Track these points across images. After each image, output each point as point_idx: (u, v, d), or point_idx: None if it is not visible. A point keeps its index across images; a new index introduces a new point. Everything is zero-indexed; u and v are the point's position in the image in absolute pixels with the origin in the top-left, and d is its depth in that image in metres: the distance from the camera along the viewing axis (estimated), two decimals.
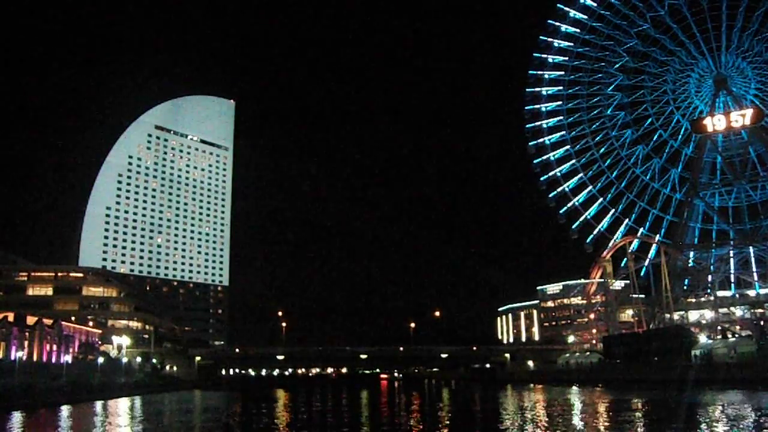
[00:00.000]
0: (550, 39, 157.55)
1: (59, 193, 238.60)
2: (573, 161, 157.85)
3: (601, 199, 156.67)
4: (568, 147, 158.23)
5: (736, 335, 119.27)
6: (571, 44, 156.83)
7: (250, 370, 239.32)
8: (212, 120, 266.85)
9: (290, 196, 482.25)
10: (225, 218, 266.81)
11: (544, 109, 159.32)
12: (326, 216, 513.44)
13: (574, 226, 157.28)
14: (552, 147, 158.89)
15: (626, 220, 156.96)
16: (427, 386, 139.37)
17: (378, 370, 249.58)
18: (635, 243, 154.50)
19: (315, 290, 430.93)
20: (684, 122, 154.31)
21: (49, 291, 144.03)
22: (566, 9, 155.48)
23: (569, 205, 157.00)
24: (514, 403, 70.72)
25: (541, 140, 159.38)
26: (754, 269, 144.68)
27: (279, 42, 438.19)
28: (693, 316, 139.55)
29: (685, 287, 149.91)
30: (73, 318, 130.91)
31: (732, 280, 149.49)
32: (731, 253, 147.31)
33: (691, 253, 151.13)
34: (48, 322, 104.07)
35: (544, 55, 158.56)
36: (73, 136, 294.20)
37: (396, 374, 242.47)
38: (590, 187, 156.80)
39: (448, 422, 51.70)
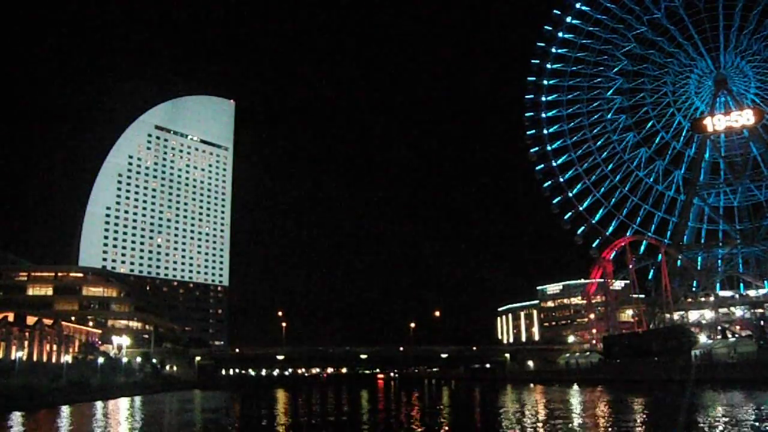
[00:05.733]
0: (547, 45, 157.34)
1: (59, 193, 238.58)
2: (575, 167, 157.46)
3: (605, 204, 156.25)
4: (570, 153, 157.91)
5: (736, 335, 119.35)
6: (569, 50, 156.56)
7: (250, 370, 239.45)
8: (212, 120, 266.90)
9: (290, 196, 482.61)
10: (225, 218, 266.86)
11: (544, 115, 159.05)
12: (326, 216, 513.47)
13: (579, 232, 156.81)
14: (554, 153, 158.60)
15: (632, 224, 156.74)
16: (427, 386, 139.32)
17: (378, 370, 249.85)
18: (642, 245, 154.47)
19: (315, 290, 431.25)
20: (685, 123, 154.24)
21: (49, 291, 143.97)
22: (562, 15, 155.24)
23: (573, 211, 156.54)
24: (513, 403, 70.70)
25: (542, 147, 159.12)
26: (755, 269, 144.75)
27: (279, 42, 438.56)
28: (693, 316, 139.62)
29: (693, 288, 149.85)
30: (73, 318, 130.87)
31: (739, 280, 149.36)
32: (732, 252, 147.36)
33: (699, 256, 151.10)
34: (48, 322, 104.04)
35: (542, 62, 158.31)
36: (73, 136, 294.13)
37: (392, 374, 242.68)
38: (594, 192, 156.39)
39: (447, 423, 51.70)
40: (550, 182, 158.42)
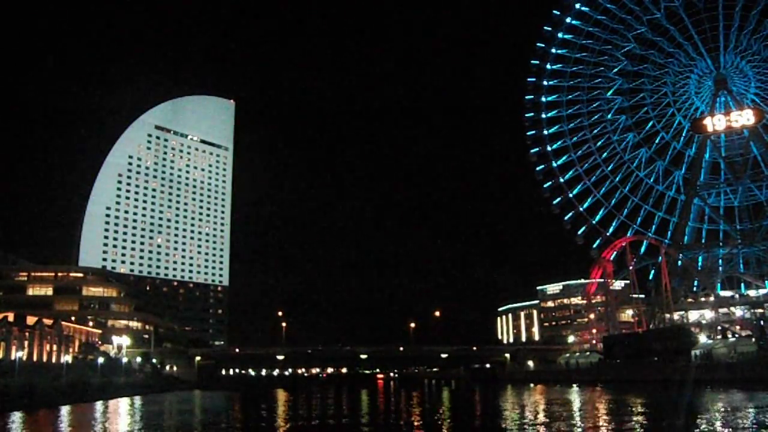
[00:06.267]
0: (546, 46, 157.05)
1: (59, 193, 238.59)
2: (575, 167, 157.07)
3: (605, 204, 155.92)
4: (570, 153, 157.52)
5: (736, 335, 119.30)
6: (569, 50, 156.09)
7: (250, 370, 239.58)
8: (212, 120, 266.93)
9: (290, 195, 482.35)
10: (225, 218, 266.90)
11: (544, 116, 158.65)
12: (326, 216, 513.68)
13: (579, 232, 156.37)
14: (554, 154, 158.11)
15: (632, 224, 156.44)
16: (427, 386, 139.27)
17: (378, 370, 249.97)
18: (643, 245, 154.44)
19: (315, 290, 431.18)
20: (685, 123, 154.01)
21: (49, 291, 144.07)
22: (561, 16, 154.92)
23: (574, 211, 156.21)
24: (514, 404, 70.69)
25: (542, 148, 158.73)
26: (755, 269, 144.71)
27: (279, 42, 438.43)
28: (693, 316, 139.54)
29: (694, 288, 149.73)
30: (73, 318, 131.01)
31: (739, 280, 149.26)
32: (733, 252, 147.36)
33: (699, 256, 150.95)
34: (48, 322, 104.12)
35: (542, 62, 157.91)
36: (73, 136, 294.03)
37: (392, 374, 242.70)
38: (594, 193, 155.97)
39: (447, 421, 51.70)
40: (550, 183, 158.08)
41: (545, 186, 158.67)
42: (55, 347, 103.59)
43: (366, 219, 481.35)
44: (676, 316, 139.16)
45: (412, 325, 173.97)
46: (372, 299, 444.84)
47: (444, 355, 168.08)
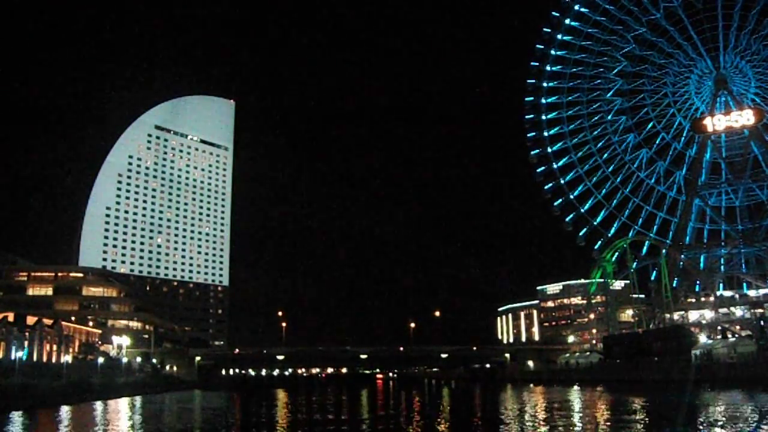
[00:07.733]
0: (546, 47, 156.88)
1: (59, 193, 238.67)
2: (576, 169, 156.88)
3: (606, 206, 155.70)
4: (570, 155, 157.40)
5: (736, 335, 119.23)
6: (568, 52, 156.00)
7: (250, 370, 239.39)
8: (212, 120, 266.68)
9: (290, 196, 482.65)
10: (225, 218, 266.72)
11: (544, 117, 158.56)
12: (326, 216, 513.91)
13: (580, 234, 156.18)
14: (554, 155, 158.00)
15: (633, 225, 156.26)
16: (427, 386, 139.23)
17: (378, 370, 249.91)
18: (645, 245, 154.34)
19: (315, 290, 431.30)
20: (686, 124, 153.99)
21: (49, 291, 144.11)
22: (561, 17, 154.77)
23: (574, 212, 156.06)
24: (513, 403, 70.66)
25: (542, 149, 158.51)
26: (755, 269, 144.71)
27: (279, 42, 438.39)
28: (693, 316, 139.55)
29: (697, 289, 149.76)
30: (73, 318, 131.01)
31: (740, 279, 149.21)
32: (733, 253, 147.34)
33: (701, 256, 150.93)
34: (48, 322, 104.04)
35: (541, 64, 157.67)
36: (73, 136, 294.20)
37: (391, 374, 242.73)
38: (595, 194, 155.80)
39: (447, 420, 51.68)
40: (551, 184, 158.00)
41: (546, 187, 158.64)
42: (55, 347, 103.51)
43: (365, 219, 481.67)
44: (676, 316, 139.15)
45: (412, 325, 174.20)
46: (372, 299, 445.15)
47: (444, 355, 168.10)
